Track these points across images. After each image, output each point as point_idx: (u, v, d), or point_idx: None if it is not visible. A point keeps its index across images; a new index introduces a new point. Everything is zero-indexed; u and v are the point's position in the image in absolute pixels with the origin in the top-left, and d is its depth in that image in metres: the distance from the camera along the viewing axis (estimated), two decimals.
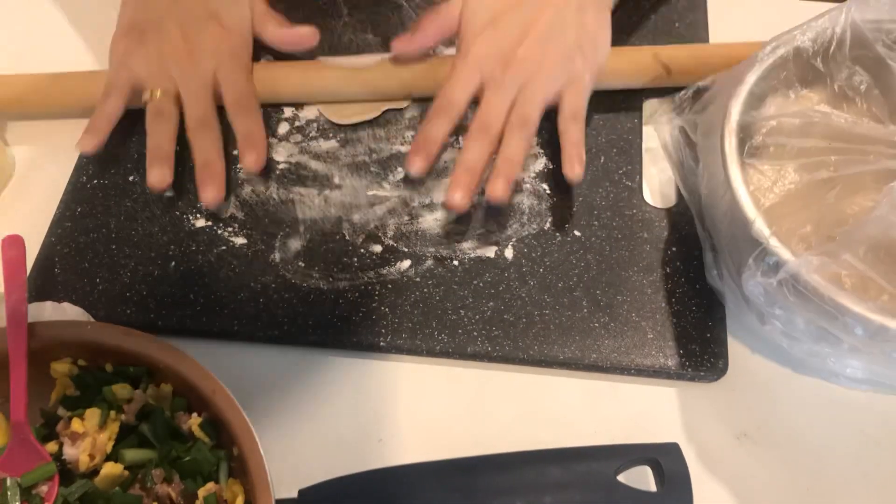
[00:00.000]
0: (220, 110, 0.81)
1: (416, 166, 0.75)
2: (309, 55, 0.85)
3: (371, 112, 0.85)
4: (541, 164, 0.81)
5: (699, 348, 0.70)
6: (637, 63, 0.83)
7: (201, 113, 0.80)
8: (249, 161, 0.78)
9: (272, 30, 0.84)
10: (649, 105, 0.84)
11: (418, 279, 0.75)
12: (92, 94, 0.82)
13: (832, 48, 0.67)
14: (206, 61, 0.81)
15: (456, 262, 0.76)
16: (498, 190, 0.72)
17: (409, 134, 0.84)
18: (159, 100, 0.80)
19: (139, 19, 0.83)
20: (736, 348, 0.72)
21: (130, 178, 0.81)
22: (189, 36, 0.81)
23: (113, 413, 0.63)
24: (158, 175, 0.77)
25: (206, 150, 0.78)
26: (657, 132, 0.80)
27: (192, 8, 0.83)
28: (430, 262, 0.76)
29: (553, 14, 0.77)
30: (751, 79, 0.68)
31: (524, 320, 0.72)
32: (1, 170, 0.84)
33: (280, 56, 0.87)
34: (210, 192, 0.77)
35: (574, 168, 0.73)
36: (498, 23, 0.78)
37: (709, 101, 0.73)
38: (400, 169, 0.81)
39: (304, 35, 0.83)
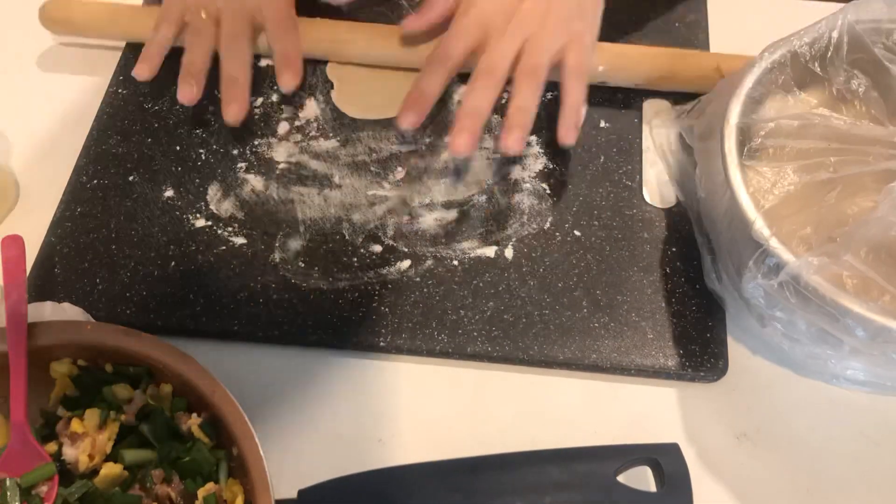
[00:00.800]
0: None
1: (409, 120, 0.76)
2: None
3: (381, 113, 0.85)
4: (541, 163, 0.81)
5: (699, 348, 0.71)
6: (700, 70, 0.83)
7: (235, 30, 0.83)
8: (286, 80, 0.82)
9: None
10: (650, 105, 0.84)
11: (418, 279, 0.75)
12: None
13: (830, 52, 0.67)
14: None
15: (456, 262, 0.75)
16: (513, 141, 0.72)
17: None
18: (200, 19, 0.83)
19: None
20: (736, 349, 0.72)
21: (130, 178, 0.81)
22: None
23: (113, 413, 0.63)
24: (186, 92, 0.81)
25: (234, 67, 0.82)
26: (654, 138, 0.80)
27: None
28: (430, 262, 0.76)
29: None
30: (748, 83, 0.68)
31: (524, 320, 0.72)
32: (5, 196, 0.83)
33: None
34: (233, 108, 0.80)
35: (568, 133, 0.74)
36: None
37: (706, 105, 0.73)
38: (400, 168, 0.81)
39: None
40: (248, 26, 0.84)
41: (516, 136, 0.72)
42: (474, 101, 0.74)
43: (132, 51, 0.90)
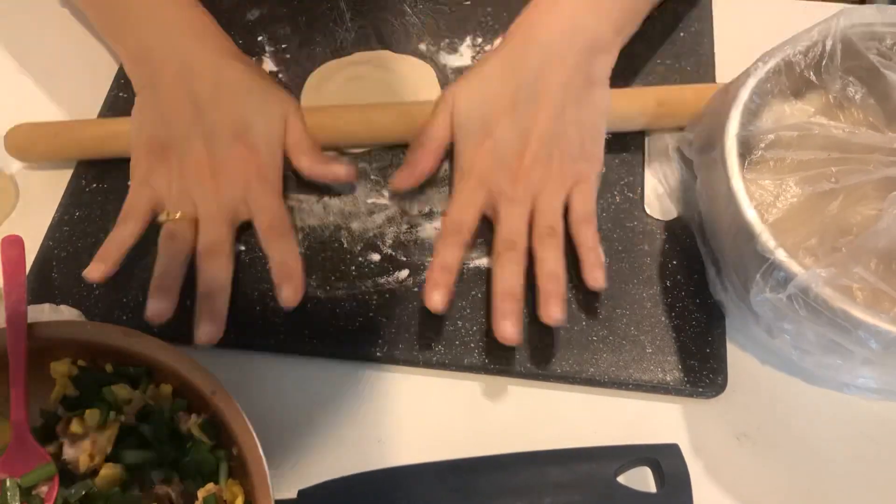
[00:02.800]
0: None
1: (436, 301, 0.69)
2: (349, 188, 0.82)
3: None
4: None
5: (698, 364, 0.70)
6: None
7: (214, 238, 0.74)
8: (287, 294, 0.72)
9: (307, 164, 0.79)
10: None
11: (416, 289, 0.75)
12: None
13: (824, 60, 0.67)
14: (230, 185, 0.76)
15: None
16: (555, 312, 0.68)
17: None
18: (175, 222, 0.75)
19: (161, 135, 0.78)
20: (736, 351, 0.72)
21: (129, 183, 0.80)
22: (214, 155, 0.76)
23: (113, 413, 0.62)
24: (156, 308, 0.71)
25: (210, 280, 0.73)
26: (652, 150, 0.80)
27: (218, 124, 0.77)
28: None
29: (550, 114, 0.75)
30: (744, 94, 0.67)
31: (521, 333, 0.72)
32: (5, 199, 0.83)
33: None
34: (205, 328, 0.70)
35: (595, 274, 0.71)
36: (495, 132, 0.76)
37: (702, 116, 0.72)
38: None
39: (342, 174, 0.79)
40: (230, 229, 0.76)
41: (556, 306, 0.68)
42: (508, 282, 0.70)
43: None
